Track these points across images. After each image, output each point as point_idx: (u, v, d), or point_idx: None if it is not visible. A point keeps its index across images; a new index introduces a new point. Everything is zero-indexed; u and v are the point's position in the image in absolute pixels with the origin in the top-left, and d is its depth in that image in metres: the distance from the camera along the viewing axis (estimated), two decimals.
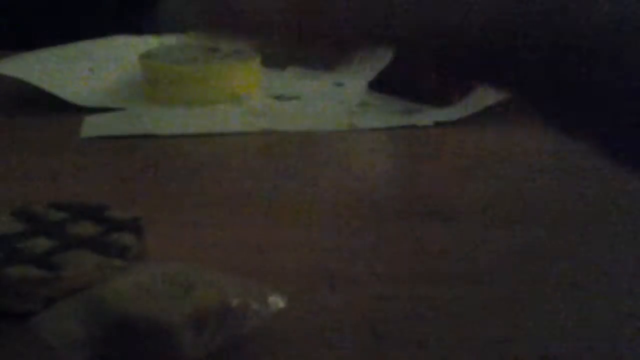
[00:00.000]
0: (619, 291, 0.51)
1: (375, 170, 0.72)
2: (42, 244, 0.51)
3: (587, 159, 0.71)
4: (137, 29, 1.00)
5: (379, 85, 0.89)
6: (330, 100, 0.89)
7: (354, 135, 0.80)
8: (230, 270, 0.48)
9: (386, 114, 0.84)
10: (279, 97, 0.90)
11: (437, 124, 0.81)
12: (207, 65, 0.88)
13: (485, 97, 0.82)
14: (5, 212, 0.55)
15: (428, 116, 0.82)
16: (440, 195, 0.65)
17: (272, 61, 0.96)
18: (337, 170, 0.71)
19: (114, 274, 0.48)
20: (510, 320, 0.48)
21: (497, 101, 0.80)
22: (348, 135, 0.80)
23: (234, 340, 0.44)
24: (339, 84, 0.93)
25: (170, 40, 0.98)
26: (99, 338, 0.43)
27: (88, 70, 0.93)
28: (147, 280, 0.44)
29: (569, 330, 0.47)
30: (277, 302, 0.46)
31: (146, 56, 0.91)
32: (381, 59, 0.92)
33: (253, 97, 0.89)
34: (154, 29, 0.99)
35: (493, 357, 0.45)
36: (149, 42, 0.98)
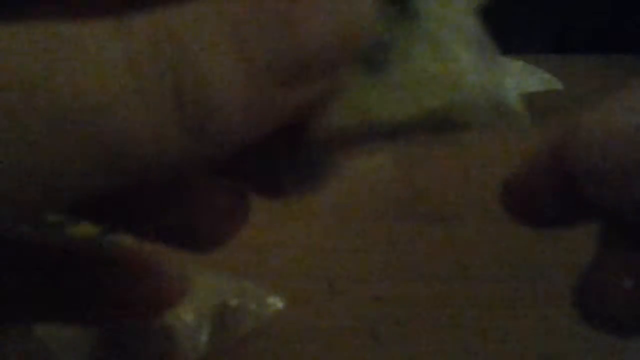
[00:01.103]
0: None
1: (375, 171, 0.72)
2: None
3: None
4: None
5: None
6: None
7: None
8: (229, 270, 0.48)
9: None
10: None
11: None
12: None
13: None
14: None
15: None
16: (440, 196, 0.65)
17: None
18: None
19: None
20: (511, 320, 0.48)
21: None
22: None
23: (233, 340, 0.44)
24: None
25: None
26: (98, 339, 0.42)
27: None
28: None
29: (570, 330, 0.47)
30: (276, 302, 0.46)
31: None
32: None
33: None
34: None
35: (493, 357, 0.45)
36: None
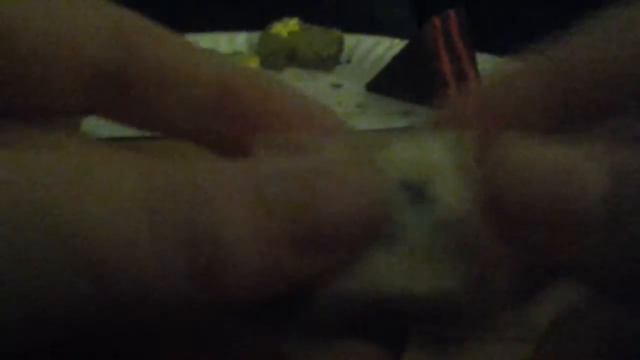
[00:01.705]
0: None
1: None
2: None
3: None
4: None
5: (377, 86, 0.89)
6: (328, 102, 0.89)
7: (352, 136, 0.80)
8: None
9: (384, 116, 0.84)
10: None
11: None
12: None
13: None
14: None
15: (426, 117, 0.82)
16: None
17: (270, 63, 0.95)
18: None
19: None
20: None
21: None
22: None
23: None
24: (337, 86, 0.93)
25: None
26: None
27: None
28: None
29: None
30: None
31: None
32: (379, 60, 0.92)
33: None
34: None
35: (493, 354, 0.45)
36: None
